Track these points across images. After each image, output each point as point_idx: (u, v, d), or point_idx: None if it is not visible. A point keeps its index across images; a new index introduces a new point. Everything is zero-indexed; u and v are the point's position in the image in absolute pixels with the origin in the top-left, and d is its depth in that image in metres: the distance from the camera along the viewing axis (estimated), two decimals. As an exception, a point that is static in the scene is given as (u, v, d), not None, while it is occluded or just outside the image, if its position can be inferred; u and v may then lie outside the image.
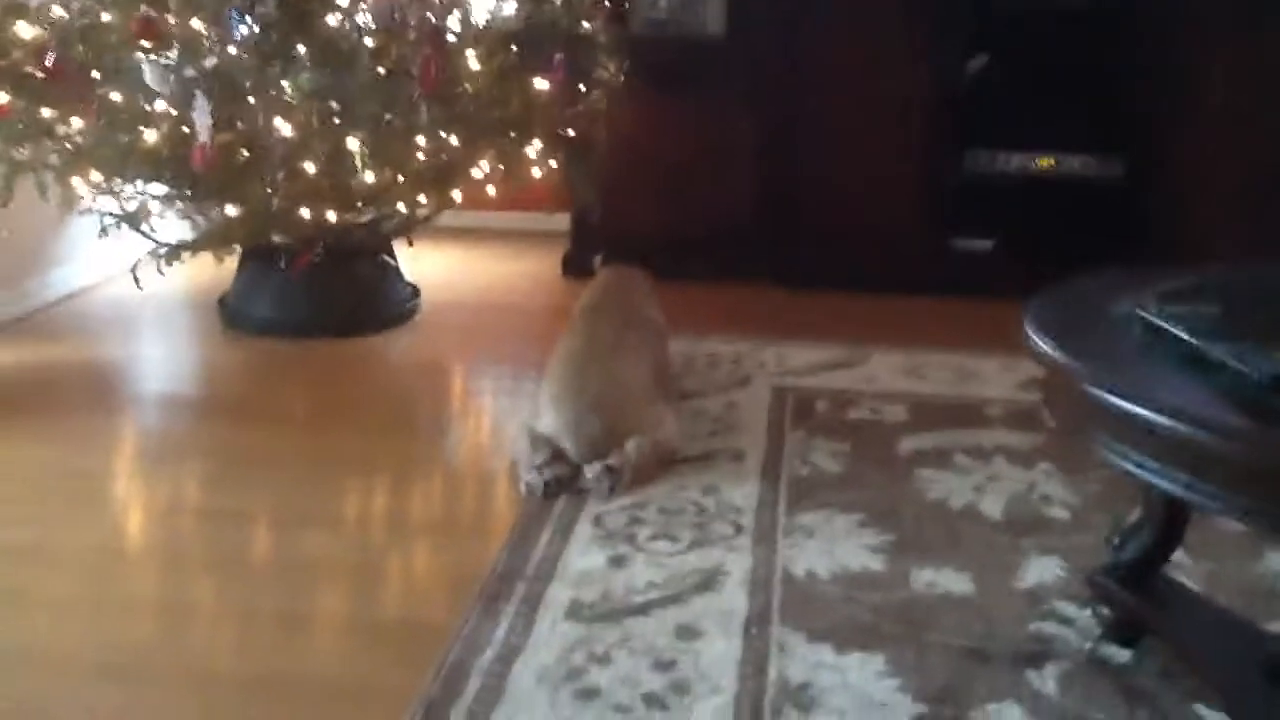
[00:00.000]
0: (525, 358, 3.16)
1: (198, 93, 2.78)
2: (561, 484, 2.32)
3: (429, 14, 3.03)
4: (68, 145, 3.03)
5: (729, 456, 2.52)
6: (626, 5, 3.86)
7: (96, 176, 3.07)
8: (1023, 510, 2.29)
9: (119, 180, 3.09)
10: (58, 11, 2.94)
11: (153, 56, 2.85)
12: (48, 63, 2.83)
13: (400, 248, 3.63)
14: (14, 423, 2.71)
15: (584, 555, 2.08)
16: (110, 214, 3.16)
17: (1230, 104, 3.69)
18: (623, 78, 3.59)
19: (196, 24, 2.87)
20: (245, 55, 2.86)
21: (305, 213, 3.05)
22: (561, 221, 4.14)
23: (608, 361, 2.52)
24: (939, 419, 2.75)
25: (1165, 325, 1.49)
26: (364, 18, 2.97)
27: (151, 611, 1.96)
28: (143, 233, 3.20)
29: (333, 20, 2.94)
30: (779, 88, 3.86)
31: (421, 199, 3.29)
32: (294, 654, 1.83)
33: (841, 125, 3.85)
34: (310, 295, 3.37)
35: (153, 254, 3.18)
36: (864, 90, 3.83)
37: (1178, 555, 1.86)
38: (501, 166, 3.37)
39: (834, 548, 2.12)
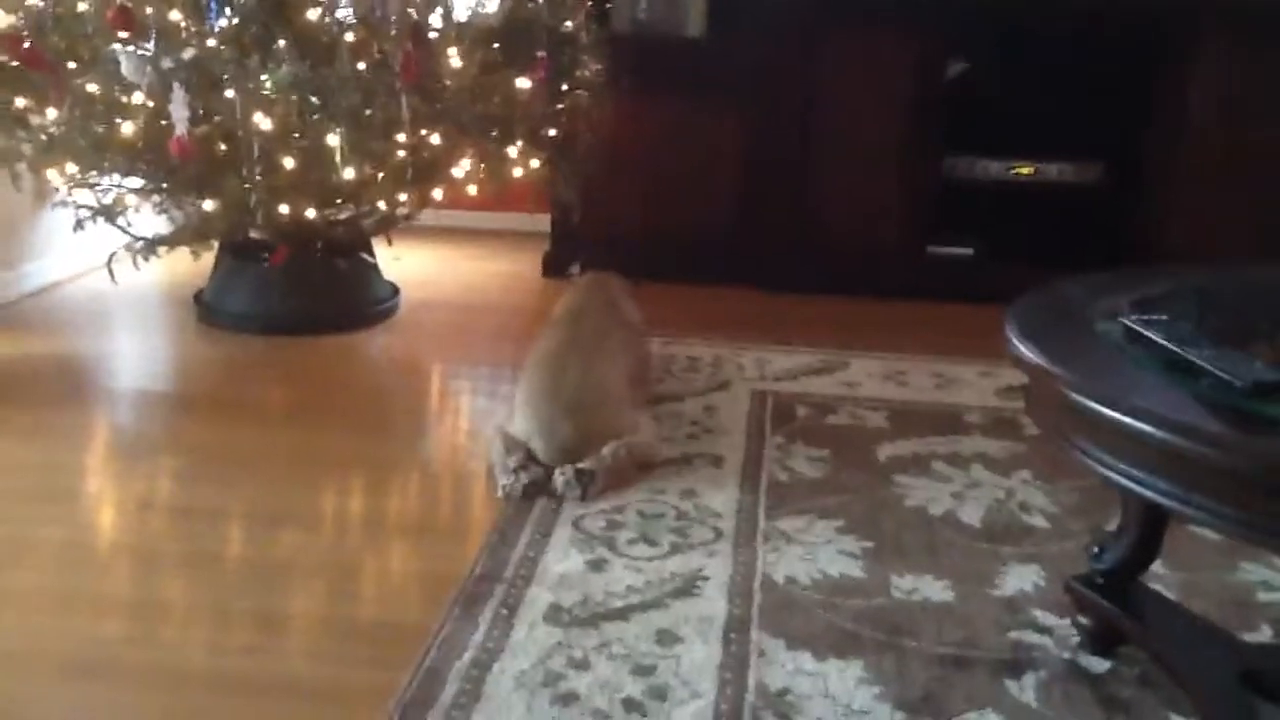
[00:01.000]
0: (504, 358, 3.14)
1: (175, 84, 2.75)
2: (538, 487, 2.30)
3: (410, 9, 3.00)
4: (42, 136, 2.99)
5: (708, 461, 2.51)
6: (609, 5, 3.85)
7: (71, 168, 3.04)
8: (1002, 518, 2.29)
9: (94, 172, 3.05)
10: (34, 0, 2.90)
11: (129, 47, 2.82)
12: (22, 51, 2.79)
13: (380, 246, 3.60)
14: (-16, 417, 2.67)
15: (563, 559, 2.06)
16: (85, 207, 3.11)
17: (1208, 111, 3.71)
18: (605, 77, 3.58)
19: (174, 15, 2.84)
20: (224, 47, 2.83)
21: (284, 208, 3.02)
22: (542, 222, 4.12)
23: (585, 364, 2.50)
24: (919, 425, 2.75)
25: (1145, 331, 1.49)
26: (344, 12, 2.94)
27: (123, 609, 1.93)
28: (118, 226, 3.16)
29: (313, 14, 2.91)
30: (760, 91, 3.86)
31: (402, 197, 3.27)
32: (268, 654, 1.80)
33: (822, 130, 3.86)
34: (288, 292, 3.34)
35: (128, 248, 3.15)
36: (845, 95, 3.83)
37: (1155, 565, 1.86)
38: (482, 165, 3.34)
39: (814, 554, 2.11)
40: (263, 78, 2.81)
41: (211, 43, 2.85)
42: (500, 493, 2.30)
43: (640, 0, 3.92)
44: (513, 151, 3.38)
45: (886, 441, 2.65)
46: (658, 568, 2.04)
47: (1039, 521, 2.27)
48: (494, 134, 3.29)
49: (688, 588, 1.98)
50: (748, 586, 1.99)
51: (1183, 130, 3.74)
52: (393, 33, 2.95)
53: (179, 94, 2.74)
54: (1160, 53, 3.73)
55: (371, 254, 3.57)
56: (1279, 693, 1.61)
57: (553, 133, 3.52)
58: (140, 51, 2.82)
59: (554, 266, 4.02)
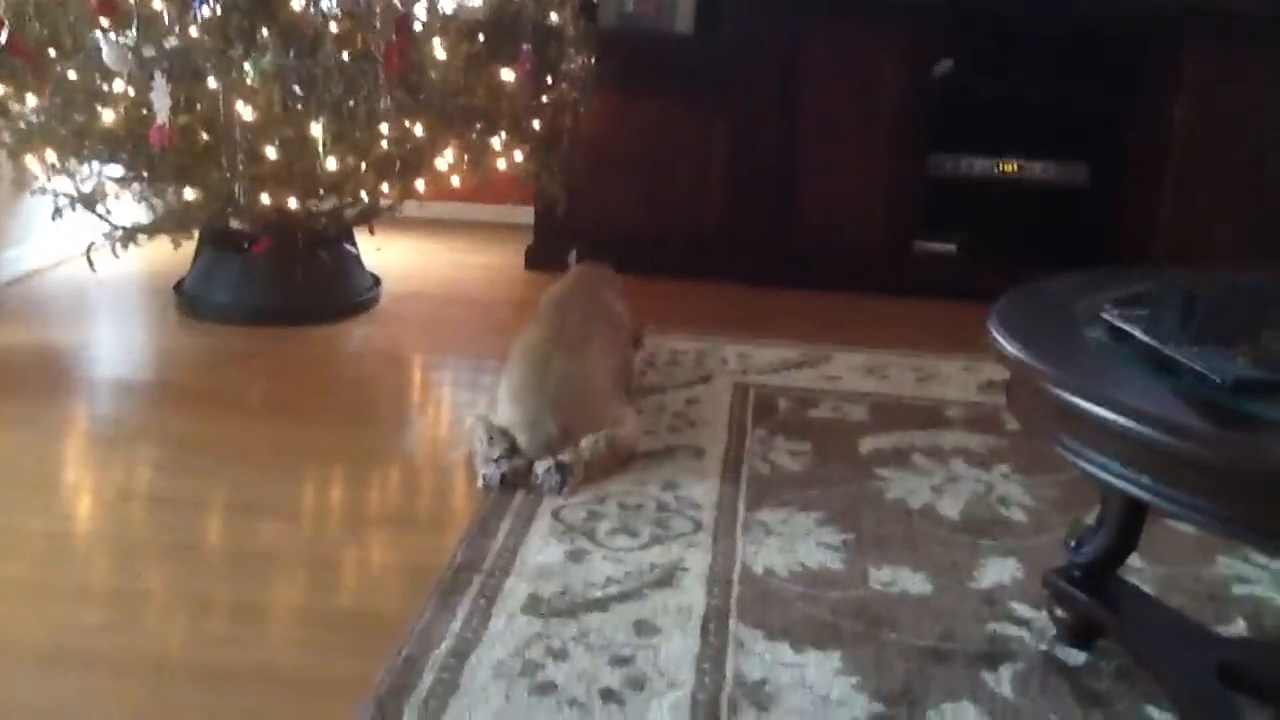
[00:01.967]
0: (485, 350, 3.14)
1: (157, 73, 2.73)
2: (518, 478, 2.30)
3: (395, 1, 2.99)
4: (21, 124, 2.97)
5: (690, 453, 2.52)
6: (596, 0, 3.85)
7: (51, 156, 3.01)
8: (981, 511, 2.30)
9: (74, 160, 3.03)
10: (14, -13, 2.88)
11: (111, 35, 2.80)
12: (2, 38, 2.77)
13: (362, 237, 3.59)
14: (-39, 405, 2.65)
15: (543, 549, 2.06)
16: (65, 195, 3.09)
17: (1193, 111, 3.74)
18: (591, 72, 3.58)
19: (157, 4, 2.82)
20: (207, 36, 2.81)
21: (265, 198, 3.01)
22: (526, 214, 4.12)
23: (570, 357, 2.50)
24: (899, 419, 2.76)
25: (1128, 328, 1.50)
26: (329, 2, 2.93)
27: (103, 599, 1.92)
28: (98, 214, 3.14)
29: (297, 4, 2.90)
30: (746, 87, 3.87)
31: (384, 188, 3.26)
32: (247, 644, 1.80)
33: (808, 126, 3.87)
34: (269, 282, 3.33)
35: (108, 236, 3.12)
36: (831, 92, 3.84)
37: (1132, 559, 1.88)
38: (466, 157, 3.34)
39: (793, 546, 2.12)
40: (246, 67, 2.80)
41: (195, 32, 2.83)
42: (480, 482, 2.30)
43: (627, -5, 3.92)
44: (496, 144, 3.38)
45: (867, 435, 2.66)
46: (637, 559, 2.04)
47: (1018, 515, 2.28)
48: (478, 126, 3.28)
49: (667, 579, 1.98)
50: (727, 578, 1.99)
51: (1166, 131, 3.76)
52: (377, 24, 2.94)
53: (160, 83, 2.72)
54: (1144, 53, 3.75)
55: (353, 245, 3.56)
56: (1255, 686, 1.63)
57: (537, 126, 3.51)
58: (122, 40, 2.81)
59: (537, 259, 4.02)
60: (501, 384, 2.51)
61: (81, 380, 2.98)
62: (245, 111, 2.83)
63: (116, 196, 3.15)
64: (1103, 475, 1.39)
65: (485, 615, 1.84)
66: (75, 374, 3.02)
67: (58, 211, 3.08)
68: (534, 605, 1.88)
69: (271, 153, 2.91)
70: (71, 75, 2.88)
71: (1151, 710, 1.68)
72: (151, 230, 3.15)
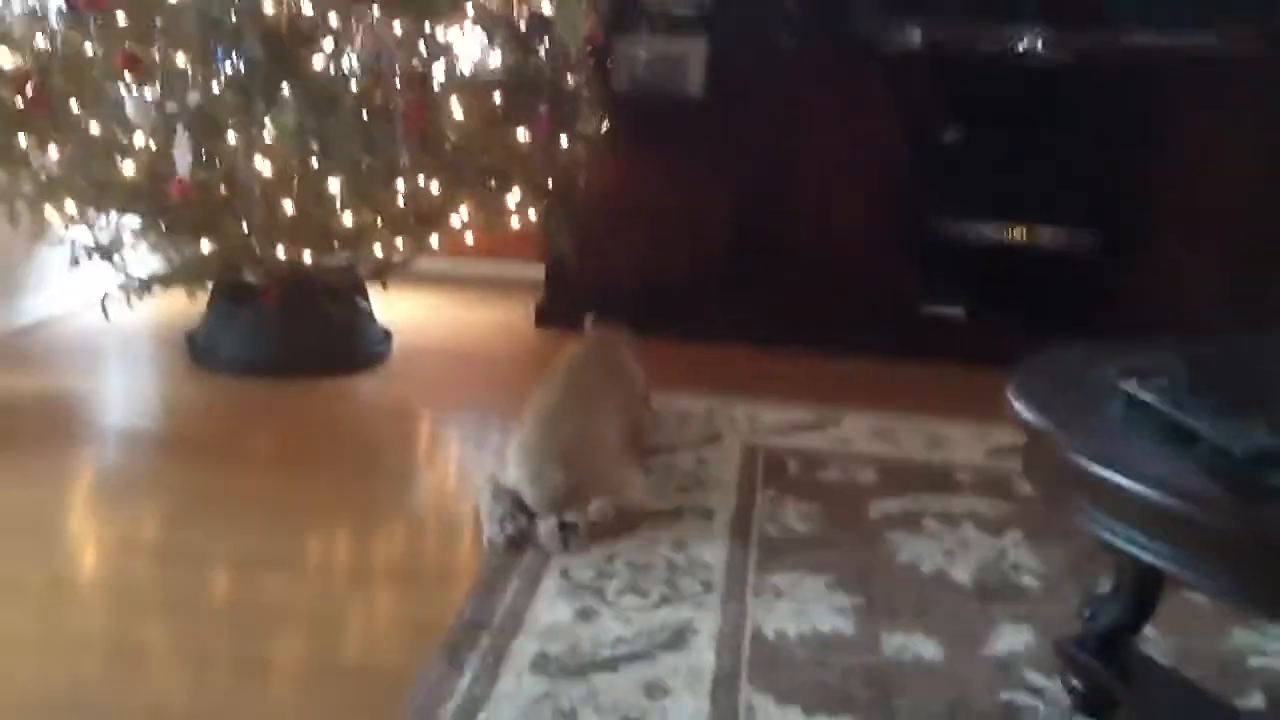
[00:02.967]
0: (494, 406, 3.14)
1: (179, 128, 2.77)
2: (524, 537, 2.28)
3: (415, 60, 3.04)
4: (42, 175, 3.01)
5: (699, 513, 2.51)
6: (609, 63, 3.90)
7: (70, 207, 3.04)
8: (993, 577, 2.28)
9: (93, 211, 3.06)
10: (40, 42, 2.92)
11: (135, 91, 2.84)
12: (28, 92, 2.81)
13: (374, 291, 3.61)
14: (-29, 453, 2.65)
15: (551, 608, 2.05)
16: (82, 245, 3.12)
17: (1202, 178, 3.76)
18: (604, 133, 3.62)
19: (180, 60, 2.86)
20: (229, 93, 2.85)
21: (280, 251, 3.03)
22: (537, 271, 4.14)
23: (581, 417, 2.50)
24: (910, 483, 2.75)
25: (1145, 397, 1.49)
26: (349, 61, 2.97)
27: (105, 651, 1.90)
28: (115, 265, 3.16)
29: (318, 62, 2.94)
30: (755, 151, 3.91)
31: (398, 243, 3.28)
32: (250, 699, 1.78)
33: (817, 190, 3.90)
34: (281, 335, 3.34)
35: (123, 287, 3.15)
36: (840, 156, 3.87)
37: (1147, 629, 1.86)
38: (480, 214, 3.37)
39: (804, 609, 2.10)
40: (266, 123, 2.83)
41: (216, 88, 2.87)
42: (485, 544, 2.28)
43: (641, 59, 3.97)
44: (510, 201, 3.41)
45: (877, 498, 2.65)
46: (647, 619, 2.03)
47: (1030, 582, 2.27)
48: (493, 184, 3.31)
49: (677, 640, 1.96)
50: (737, 640, 1.97)
51: (1178, 199, 3.78)
52: (396, 83, 2.98)
53: (183, 138, 2.76)
54: (1151, 122, 3.78)
55: (366, 299, 3.58)
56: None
57: (551, 184, 3.54)
58: (145, 95, 2.85)
59: (548, 316, 4.03)
60: (511, 444, 2.51)
61: (90, 429, 2.98)
62: (264, 166, 2.86)
63: (133, 247, 3.18)
64: (1120, 543, 1.38)
65: (493, 674, 1.82)
66: (84, 422, 3.02)
67: (75, 261, 3.11)
68: (542, 664, 1.86)
69: (288, 207, 2.94)
70: (94, 128, 2.92)
71: (1168, 784, 1.65)
72: (166, 281, 3.17)
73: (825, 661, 1.93)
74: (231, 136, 2.85)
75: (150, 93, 2.83)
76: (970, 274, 3.89)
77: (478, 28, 3.27)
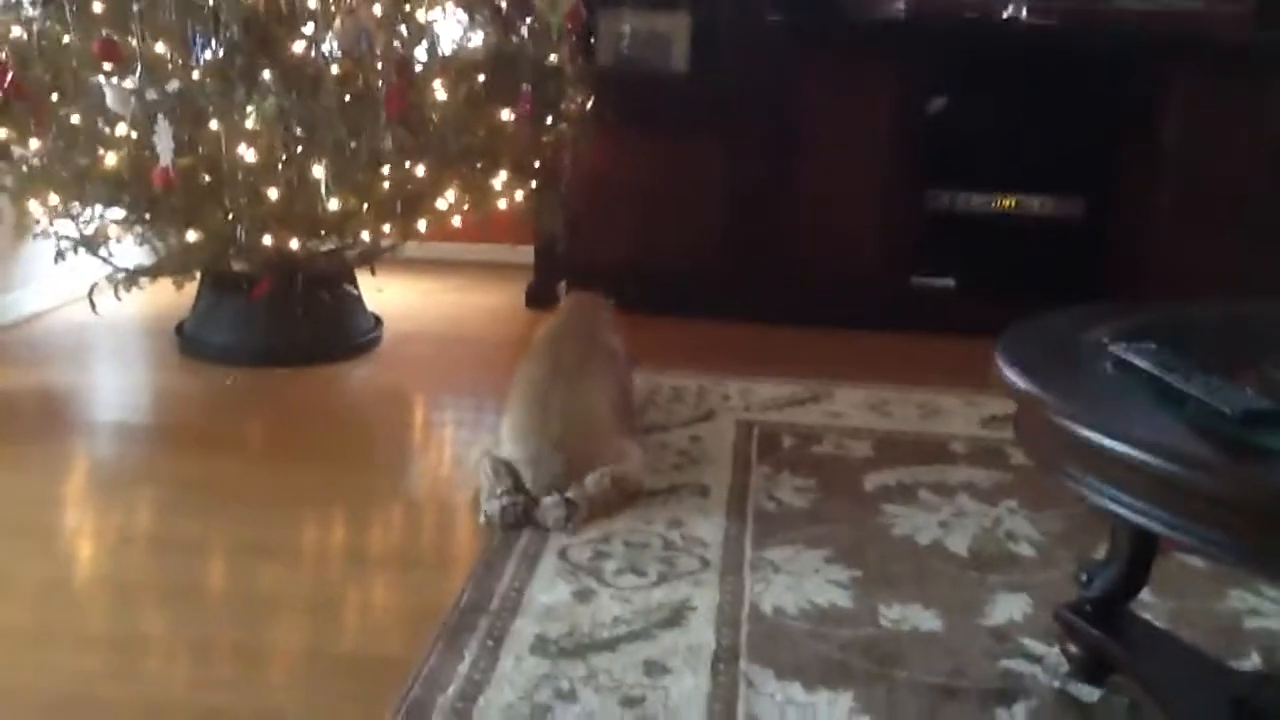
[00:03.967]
0: (487, 389, 3.13)
1: (160, 116, 2.75)
2: (523, 515, 2.28)
3: (396, 42, 3.02)
4: (24, 167, 2.98)
5: (694, 491, 2.50)
6: (593, 40, 3.88)
7: (53, 199, 3.02)
8: (989, 547, 2.28)
9: (77, 203, 3.04)
10: (16, 32, 2.89)
11: (114, 79, 2.82)
12: (5, 83, 2.78)
13: (363, 277, 3.59)
14: (-38, 449, 2.64)
15: (549, 589, 2.05)
16: (67, 238, 3.10)
17: (1188, 145, 3.76)
18: (589, 111, 3.60)
19: (160, 48, 2.84)
20: (209, 79, 2.83)
21: (267, 239, 3.02)
22: (526, 254, 4.13)
23: (571, 391, 2.49)
24: (904, 455, 2.75)
25: (1135, 360, 1.49)
26: (330, 45, 2.95)
27: (103, 643, 1.90)
28: (100, 257, 3.15)
29: (298, 47, 2.92)
30: (743, 125, 3.89)
31: (385, 228, 3.26)
32: (249, 688, 1.78)
33: (805, 163, 3.88)
34: (270, 323, 3.33)
35: (110, 279, 3.13)
36: (827, 129, 3.86)
37: (1143, 594, 1.86)
38: (467, 196, 3.35)
39: (801, 583, 2.10)
40: (248, 109, 2.81)
41: (197, 75, 2.84)
42: (482, 518, 2.28)
43: (625, 36, 3.95)
44: (497, 183, 3.39)
45: (872, 471, 2.65)
46: (645, 598, 2.03)
47: (1026, 550, 2.27)
48: (478, 166, 3.29)
49: (675, 618, 1.96)
50: (735, 616, 1.97)
51: (1165, 165, 3.78)
52: (378, 66, 2.96)
53: (163, 126, 2.73)
54: (1136, 85, 3.77)
55: (355, 285, 3.56)
56: (1270, 721, 1.61)
57: (537, 165, 3.53)
58: (125, 83, 2.82)
59: (538, 298, 4.02)
60: (504, 422, 2.50)
61: (82, 422, 2.97)
62: (247, 153, 2.84)
63: (118, 239, 3.16)
64: (1113, 507, 1.38)
65: (493, 657, 1.82)
66: (76, 416, 3.01)
67: (60, 254, 3.09)
68: (542, 646, 1.86)
69: (273, 194, 2.92)
70: (74, 119, 2.89)
71: (1167, 747, 1.66)
72: (153, 272, 3.16)
73: (824, 635, 1.93)
74: (213, 124, 2.83)
75: (130, 81, 2.80)
76: (960, 244, 3.89)
77: (458, 8, 3.24)
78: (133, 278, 3.13)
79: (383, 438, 2.93)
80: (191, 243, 3.05)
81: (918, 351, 3.63)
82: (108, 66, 2.79)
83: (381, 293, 3.69)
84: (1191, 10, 3.81)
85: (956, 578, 2.15)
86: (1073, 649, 1.82)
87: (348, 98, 2.91)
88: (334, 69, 2.92)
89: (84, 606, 2.04)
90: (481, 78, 3.28)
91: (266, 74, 2.83)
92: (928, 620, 1.99)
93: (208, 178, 2.91)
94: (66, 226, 3.10)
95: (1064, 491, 1.48)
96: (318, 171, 2.90)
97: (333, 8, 2.90)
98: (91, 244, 3.10)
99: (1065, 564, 2.16)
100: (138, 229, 3.14)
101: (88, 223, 3.10)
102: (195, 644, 1.90)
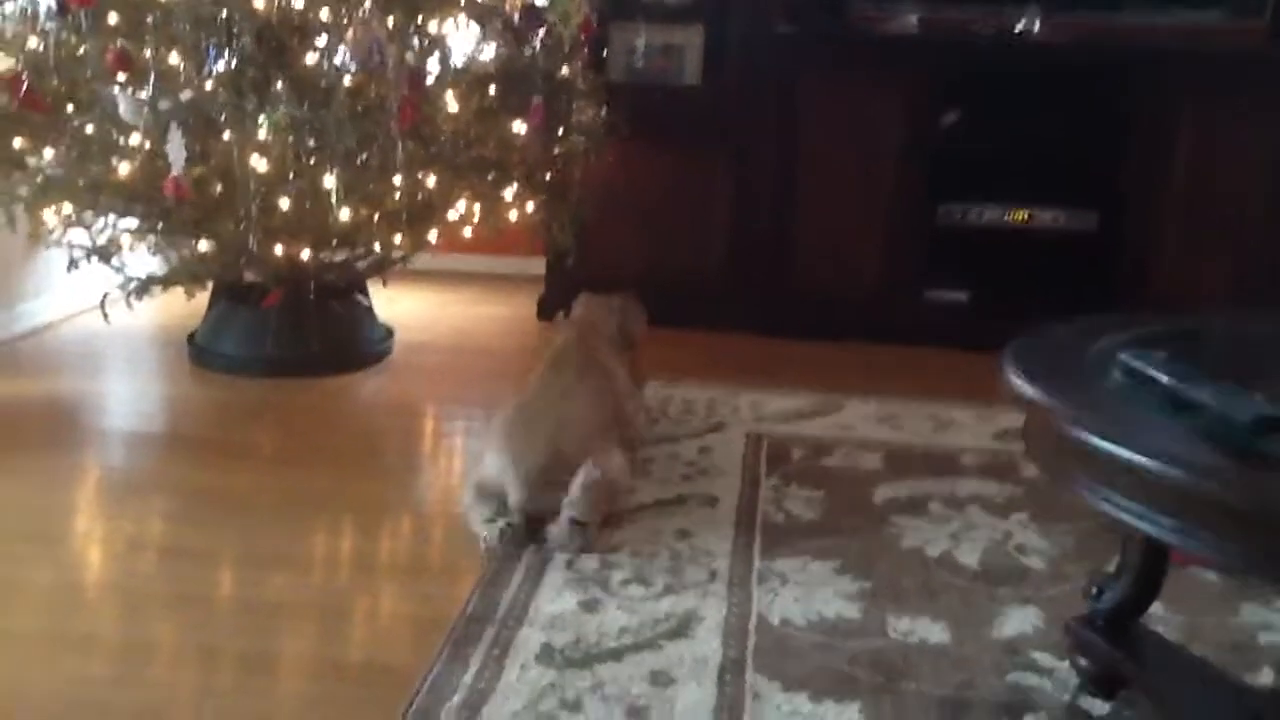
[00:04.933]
0: (497, 401, 3.11)
1: (173, 126, 2.76)
2: (518, 535, 2.24)
3: (408, 54, 3.02)
4: (38, 177, 3.00)
5: (703, 501, 2.50)
6: (605, 52, 3.89)
7: (67, 209, 3.04)
8: (999, 560, 2.27)
9: (90, 213, 3.06)
10: (32, 43, 2.91)
11: (128, 90, 2.83)
12: (21, 94, 2.80)
13: (375, 288, 3.60)
14: (-27, 457, 2.65)
15: (556, 599, 2.04)
16: (80, 247, 3.12)
17: (1201, 159, 3.74)
18: (601, 124, 3.60)
19: (174, 58, 2.85)
20: (221, 89, 2.84)
21: (278, 249, 3.02)
22: (537, 266, 4.13)
23: (553, 404, 2.48)
24: (914, 468, 2.74)
25: (1145, 369, 1.48)
26: (342, 56, 2.96)
27: (112, 650, 1.90)
28: (113, 266, 3.16)
29: (310, 58, 2.93)
30: (754, 138, 3.89)
31: (396, 239, 3.27)
32: (257, 696, 1.77)
33: (816, 176, 3.88)
34: (282, 334, 3.33)
35: (122, 288, 3.14)
36: (840, 142, 3.86)
37: (1155, 607, 1.84)
38: (478, 208, 3.35)
39: (810, 595, 2.09)
40: (260, 120, 2.82)
41: (209, 85, 2.86)
42: (482, 545, 2.25)
43: (637, 49, 3.96)
44: (508, 195, 3.40)
45: (882, 483, 2.64)
46: (651, 608, 2.02)
47: (1037, 563, 2.25)
48: (489, 177, 3.30)
49: (682, 629, 1.95)
50: (743, 627, 1.96)
51: (1173, 180, 3.77)
52: (390, 77, 2.97)
53: (176, 136, 2.75)
54: (1150, 103, 3.76)
55: (366, 296, 3.57)
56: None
57: (548, 177, 3.53)
58: (139, 94, 2.84)
59: (549, 309, 4.02)
60: (485, 443, 2.48)
61: (93, 431, 2.98)
62: (259, 163, 2.85)
63: (131, 248, 3.17)
64: (1122, 516, 1.37)
65: (498, 666, 1.82)
66: (87, 425, 3.02)
67: (73, 264, 3.10)
68: (548, 655, 1.85)
69: (285, 204, 2.93)
70: (88, 129, 2.91)
71: (1179, 761, 1.64)
72: (165, 282, 3.17)
73: (832, 647, 1.92)
74: (225, 134, 2.84)
75: (144, 91, 2.82)
76: (972, 258, 3.87)
77: (471, 20, 3.25)
78: (145, 287, 3.14)
79: (392, 448, 2.93)
80: (203, 252, 3.06)
81: (929, 365, 3.62)
82: (121, 77, 2.80)
83: (393, 303, 3.69)
84: (1205, 25, 3.80)
85: (966, 590, 2.14)
86: (1083, 663, 1.81)
87: (359, 109, 2.92)
88: (346, 80, 2.93)
89: (93, 613, 2.04)
90: (493, 89, 3.29)
91: (279, 85, 2.84)
92: (936, 633, 1.97)
93: (220, 188, 2.92)
94: (80, 236, 3.12)
95: (1075, 504, 1.47)
96: (329, 182, 2.91)
97: (345, 19, 2.91)
98: (104, 253, 3.12)
99: (1076, 577, 2.14)
100: (150, 238, 3.16)
101: (101, 232, 3.12)
102: (203, 651, 1.90)
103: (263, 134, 2.82)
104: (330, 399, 3.21)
